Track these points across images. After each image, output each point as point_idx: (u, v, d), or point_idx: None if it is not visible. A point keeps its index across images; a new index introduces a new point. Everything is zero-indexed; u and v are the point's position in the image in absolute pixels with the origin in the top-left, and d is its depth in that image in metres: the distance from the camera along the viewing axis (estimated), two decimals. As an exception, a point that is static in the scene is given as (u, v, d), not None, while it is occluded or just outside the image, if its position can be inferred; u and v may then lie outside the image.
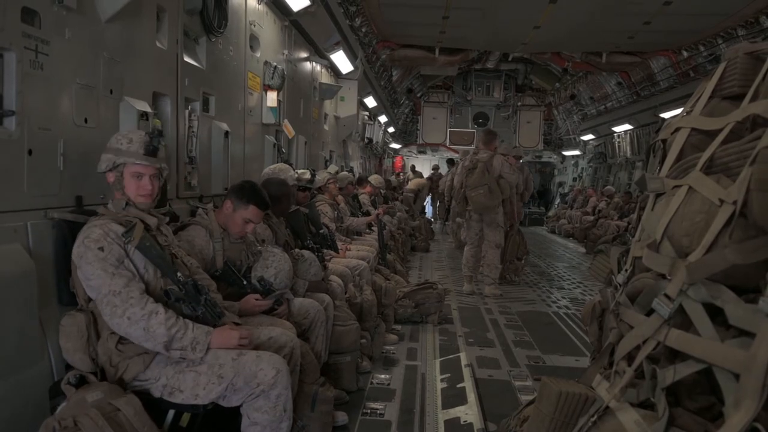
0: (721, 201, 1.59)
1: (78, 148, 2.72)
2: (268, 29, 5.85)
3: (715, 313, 1.53)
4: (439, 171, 17.55)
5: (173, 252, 2.57)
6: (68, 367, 2.38)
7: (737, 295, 1.47)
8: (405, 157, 21.66)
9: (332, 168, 6.82)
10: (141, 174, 2.43)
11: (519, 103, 20.70)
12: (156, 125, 3.36)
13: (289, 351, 2.66)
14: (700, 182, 1.72)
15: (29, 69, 2.37)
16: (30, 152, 2.39)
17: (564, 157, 21.55)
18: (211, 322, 2.43)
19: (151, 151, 2.42)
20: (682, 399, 1.62)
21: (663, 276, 1.78)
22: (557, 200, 20.80)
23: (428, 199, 17.58)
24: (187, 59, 3.97)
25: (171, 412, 2.38)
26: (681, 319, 1.63)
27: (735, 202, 1.52)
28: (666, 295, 1.67)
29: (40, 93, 2.46)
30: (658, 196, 1.99)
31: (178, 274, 2.42)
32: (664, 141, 2.15)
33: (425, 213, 14.54)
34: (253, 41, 5.47)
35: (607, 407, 1.81)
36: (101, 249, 2.23)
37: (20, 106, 2.32)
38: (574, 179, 20.73)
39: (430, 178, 16.69)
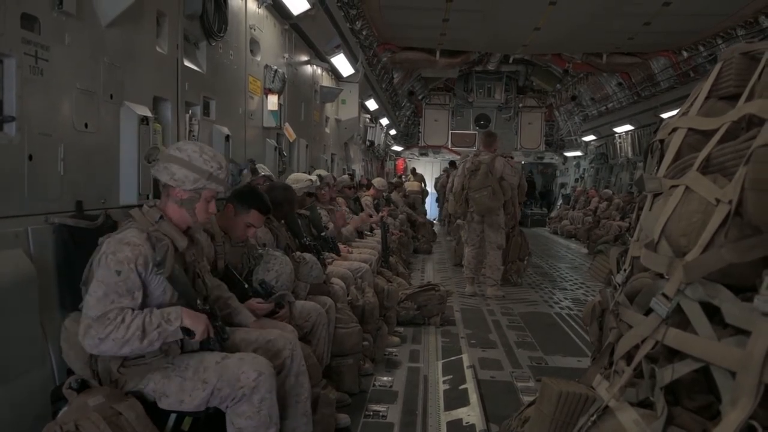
0: (718, 200, 1.59)
1: (78, 153, 2.73)
2: (268, 33, 5.87)
3: (713, 312, 1.54)
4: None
5: (197, 270, 2.52)
6: (69, 372, 2.38)
7: (734, 293, 1.48)
8: (407, 160, 21.66)
9: (320, 172, 6.44)
10: (213, 197, 2.45)
11: (520, 105, 20.71)
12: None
13: (289, 353, 2.63)
14: (697, 182, 1.72)
15: (29, 74, 2.39)
16: (30, 157, 2.40)
17: (566, 158, 21.53)
18: (219, 349, 2.38)
19: (231, 184, 2.46)
20: (681, 398, 1.62)
21: (661, 275, 1.79)
22: (559, 201, 20.78)
23: (433, 201, 17.61)
24: (187, 63, 3.98)
25: (172, 416, 2.37)
26: (679, 319, 1.63)
27: (731, 202, 1.52)
28: (664, 295, 1.67)
29: (40, 98, 2.47)
30: (655, 196, 2.00)
31: (198, 301, 2.35)
32: (661, 141, 2.16)
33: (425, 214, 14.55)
34: (254, 45, 5.49)
35: (607, 407, 1.81)
36: (118, 273, 2.14)
37: (20, 112, 2.33)
38: (576, 180, 20.70)
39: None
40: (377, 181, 9.21)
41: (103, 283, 2.13)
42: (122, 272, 2.14)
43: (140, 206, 2.41)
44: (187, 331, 2.22)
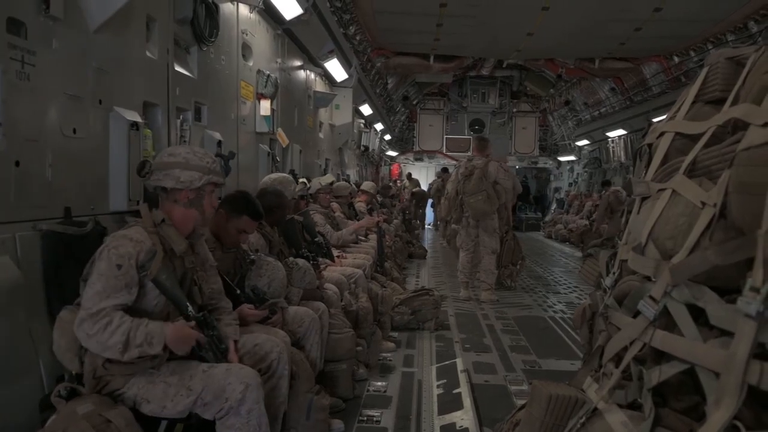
0: (703, 203, 1.61)
1: (67, 158, 2.70)
2: (260, 38, 5.87)
3: (700, 314, 1.54)
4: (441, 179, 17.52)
5: (195, 277, 2.51)
6: (59, 380, 2.36)
7: (720, 295, 1.49)
8: (402, 165, 21.69)
9: (327, 178, 6.74)
10: (213, 190, 2.53)
11: (514, 110, 20.81)
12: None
13: (276, 356, 2.63)
14: (683, 185, 1.74)
15: (15, 80, 2.35)
16: (17, 164, 2.37)
17: (560, 162, 21.60)
18: (214, 359, 2.37)
19: (226, 172, 2.54)
20: (668, 399, 1.63)
21: (649, 278, 1.79)
22: (553, 205, 20.84)
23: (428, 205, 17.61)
24: (178, 68, 3.96)
25: (163, 423, 2.35)
26: (666, 321, 1.64)
27: (716, 205, 1.53)
28: (651, 297, 1.68)
29: (26, 104, 2.44)
30: (644, 199, 2.00)
31: (189, 308, 2.34)
32: (649, 145, 2.17)
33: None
34: (246, 50, 5.48)
35: (596, 409, 1.81)
36: (119, 267, 2.17)
37: (6, 117, 2.30)
38: (570, 184, 20.78)
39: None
40: (366, 185, 9.10)
41: (104, 275, 2.17)
42: (123, 266, 2.19)
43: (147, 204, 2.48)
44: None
